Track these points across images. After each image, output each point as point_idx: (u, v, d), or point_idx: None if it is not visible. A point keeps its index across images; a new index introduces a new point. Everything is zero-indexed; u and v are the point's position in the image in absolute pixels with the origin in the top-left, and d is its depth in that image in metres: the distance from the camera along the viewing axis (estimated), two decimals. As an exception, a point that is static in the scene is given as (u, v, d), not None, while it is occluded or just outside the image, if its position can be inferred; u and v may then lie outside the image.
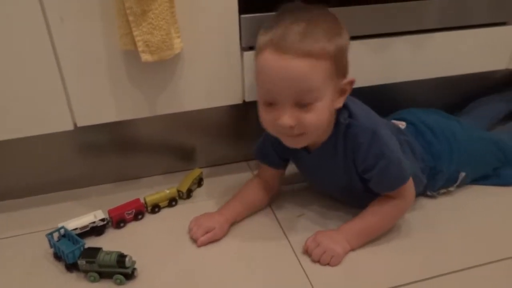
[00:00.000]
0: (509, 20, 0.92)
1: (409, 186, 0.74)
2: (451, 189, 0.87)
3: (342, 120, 0.72)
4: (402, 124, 0.87)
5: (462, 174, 0.85)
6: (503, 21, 0.92)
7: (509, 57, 0.96)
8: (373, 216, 0.75)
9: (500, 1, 0.89)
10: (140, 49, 0.71)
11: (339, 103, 0.71)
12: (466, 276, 0.70)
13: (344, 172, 0.77)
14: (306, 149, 0.78)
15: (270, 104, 0.68)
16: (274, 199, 0.88)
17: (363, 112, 0.74)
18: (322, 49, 0.64)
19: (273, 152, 0.82)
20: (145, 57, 0.71)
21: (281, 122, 0.67)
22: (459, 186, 0.87)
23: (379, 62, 0.88)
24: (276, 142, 0.76)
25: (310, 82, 0.65)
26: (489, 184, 0.90)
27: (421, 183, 0.81)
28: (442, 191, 0.87)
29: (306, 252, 0.74)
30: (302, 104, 0.66)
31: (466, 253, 0.74)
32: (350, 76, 0.71)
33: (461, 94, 1.08)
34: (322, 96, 0.66)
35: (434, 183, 0.84)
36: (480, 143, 0.88)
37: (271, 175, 0.86)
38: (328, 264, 0.72)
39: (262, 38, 0.67)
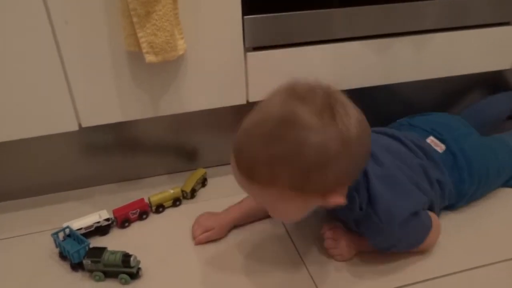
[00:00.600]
0: (511, 20, 0.93)
1: (433, 232, 0.72)
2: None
3: (357, 207, 0.66)
4: (440, 148, 0.79)
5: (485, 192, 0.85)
6: (506, 21, 0.92)
7: (512, 57, 0.96)
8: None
9: (502, 0, 0.89)
10: (144, 50, 0.71)
11: (329, 205, 0.60)
12: (470, 277, 0.70)
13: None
14: None
15: None
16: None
17: (389, 203, 0.66)
18: (268, 178, 0.56)
19: None
20: (150, 58, 0.72)
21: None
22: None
23: (381, 62, 0.88)
24: None
25: (258, 198, 0.64)
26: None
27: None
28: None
29: (323, 235, 0.75)
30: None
31: (469, 254, 0.74)
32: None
33: (463, 94, 1.09)
34: (281, 208, 0.62)
35: (459, 204, 0.83)
36: (499, 167, 0.84)
37: None
38: (333, 257, 0.73)
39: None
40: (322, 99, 0.55)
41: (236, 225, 0.81)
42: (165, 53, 0.72)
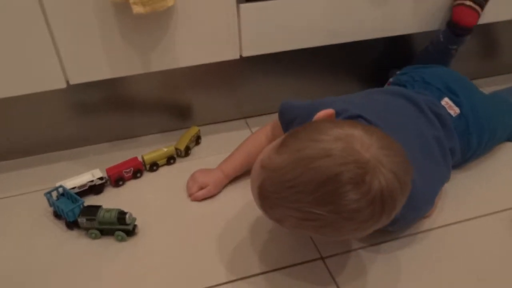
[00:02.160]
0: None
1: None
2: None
3: None
4: (454, 112, 0.76)
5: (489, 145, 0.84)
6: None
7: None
8: None
9: None
10: (131, 0, 0.68)
11: None
12: (467, 227, 0.71)
13: None
14: None
15: None
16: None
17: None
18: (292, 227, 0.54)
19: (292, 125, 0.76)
20: (137, 9, 0.68)
21: None
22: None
23: (379, 14, 0.85)
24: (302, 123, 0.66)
25: None
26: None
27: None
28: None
29: None
30: None
31: (468, 205, 0.75)
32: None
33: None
34: None
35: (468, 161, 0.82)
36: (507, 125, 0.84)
37: (280, 132, 0.81)
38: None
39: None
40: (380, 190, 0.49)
41: (235, 177, 0.81)
42: (153, 3, 0.69)
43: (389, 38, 0.90)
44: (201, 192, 0.78)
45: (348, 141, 0.50)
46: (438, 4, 0.88)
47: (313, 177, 0.49)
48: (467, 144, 0.77)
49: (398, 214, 0.54)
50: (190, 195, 0.79)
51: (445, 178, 0.72)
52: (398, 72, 0.88)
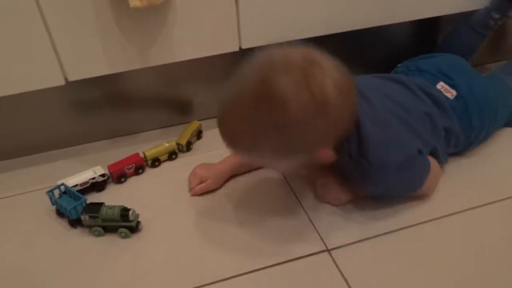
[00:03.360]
0: None
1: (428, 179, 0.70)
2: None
3: (347, 156, 0.66)
4: (451, 94, 0.76)
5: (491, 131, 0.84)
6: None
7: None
8: None
9: None
10: (128, -6, 0.67)
11: (320, 160, 0.63)
12: (470, 216, 0.70)
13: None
14: None
15: None
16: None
17: (381, 149, 0.65)
18: (252, 147, 0.59)
19: None
20: (134, 3, 0.67)
21: None
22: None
23: (378, 1, 0.84)
24: None
25: (249, 159, 0.69)
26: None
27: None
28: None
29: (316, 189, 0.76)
30: None
31: (469, 194, 0.74)
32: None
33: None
34: (273, 166, 0.70)
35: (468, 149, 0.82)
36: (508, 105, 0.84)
37: None
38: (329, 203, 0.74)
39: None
40: (298, 67, 0.55)
41: (233, 175, 0.80)
42: (151, -4, 0.68)
43: (391, 29, 0.89)
44: (200, 186, 0.77)
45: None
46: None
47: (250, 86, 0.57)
48: (469, 125, 0.76)
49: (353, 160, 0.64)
50: (190, 189, 0.78)
51: (425, 148, 0.70)
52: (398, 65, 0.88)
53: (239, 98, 0.58)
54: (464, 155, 0.82)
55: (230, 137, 0.61)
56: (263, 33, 0.82)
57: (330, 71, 0.57)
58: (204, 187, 0.77)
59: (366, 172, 0.66)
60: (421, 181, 0.69)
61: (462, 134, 0.76)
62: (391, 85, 0.76)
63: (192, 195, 0.78)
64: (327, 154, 0.62)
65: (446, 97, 0.76)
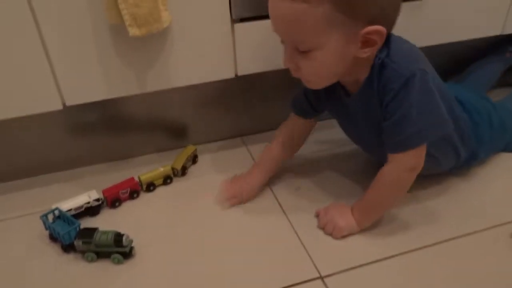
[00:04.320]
0: (503, -16, 0.91)
1: (415, 154, 0.66)
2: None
3: (377, 60, 0.64)
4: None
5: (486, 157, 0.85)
6: (497, -15, 0.91)
7: (503, 22, 0.95)
8: (373, 190, 0.71)
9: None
10: (127, 23, 0.68)
11: (363, 54, 0.62)
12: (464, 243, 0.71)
13: (378, 121, 0.69)
14: (346, 92, 0.72)
15: (282, 42, 0.65)
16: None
17: (406, 54, 0.65)
18: None
19: (305, 100, 0.79)
20: (133, 31, 0.69)
21: (282, 62, 0.66)
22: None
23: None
24: (310, 90, 0.75)
25: (300, 30, 0.59)
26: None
27: (456, 159, 0.78)
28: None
29: (317, 216, 0.76)
30: (300, 50, 0.62)
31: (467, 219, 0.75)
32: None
33: (454, 60, 1.07)
34: (321, 46, 0.60)
35: (467, 166, 0.83)
36: (504, 128, 0.85)
37: (298, 127, 0.84)
38: (330, 235, 0.73)
39: None
40: None
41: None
42: (149, 25, 0.69)
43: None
44: (233, 201, 0.80)
45: None
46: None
47: None
48: (473, 122, 0.78)
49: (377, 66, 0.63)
50: (223, 202, 0.81)
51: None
52: None
53: None
54: (460, 176, 0.82)
55: None
56: (259, 60, 0.83)
57: None
58: (237, 202, 0.80)
59: (391, 77, 0.63)
60: (421, 139, 0.65)
61: (470, 130, 0.77)
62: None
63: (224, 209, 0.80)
64: (380, 29, 0.59)
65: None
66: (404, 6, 0.84)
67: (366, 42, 0.61)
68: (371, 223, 0.73)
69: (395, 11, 0.63)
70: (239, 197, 0.80)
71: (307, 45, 0.61)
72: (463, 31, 0.93)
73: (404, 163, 0.67)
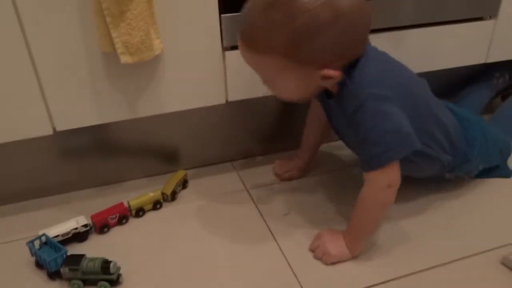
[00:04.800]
0: (485, 15, 0.94)
1: (388, 172, 0.67)
2: (470, 176, 0.88)
3: (342, 79, 0.66)
4: None
5: (481, 167, 0.86)
6: (479, 16, 0.94)
7: (486, 51, 0.98)
8: (357, 215, 0.72)
9: (475, -3, 0.91)
10: (119, 50, 0.69)
11: (326, 84, 0.67)
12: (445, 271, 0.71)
13: (348, 131, 0.74)
14: (328, 93, 0.74)
15: None
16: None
17: (367, 78, 0.66)
18: (265, 44, 0.62)
19: None
20: (125, 58, 0.70)
21: None
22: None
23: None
24: None
25: (261, 71, 0.68)
26: (490, 176, 0.90)
27: (439, 163, 0.79)
28: (461, 174, 0.87)
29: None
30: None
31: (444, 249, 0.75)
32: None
33: (442, 86, 1.09)
34: (281, 82, 0.68)
35: (459, 169, 0.83)
36: (496, 143, 0.87)
37: (319, 107, 0.84)
38: (320, 260, 0.73)
39: None
40: None
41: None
42: (141, 53, 0.71)
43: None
44: (287, 174, 0.93)
45: None
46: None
47: None
48: (463, 126, 0.81)
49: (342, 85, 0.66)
50: (278, 176, 0.94)
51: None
52: None
53: (257, 2, 0.63)
54: (445, 198, 0.83)
55: (247, 33, 0.64)
56: (249, 87, 0.85)
57: None
58: (288, 176, 0.93)
59: (349, 98, 0.66)
60: (384, 159, 0.66)
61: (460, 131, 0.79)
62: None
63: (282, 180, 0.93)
64: (332, 74, 0.64)
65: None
66: (388, 35, 0.88)
67: (325, 77, 0.65)
68: (360, 249, 0.73)
69: (353, 49, 0.65)
70: (290, 172, 0.93)
71: (266, 80, 0.70)
72: (447, 59, 0.96)
73: (379, 183, 0.68)
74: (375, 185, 0.69)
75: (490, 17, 0.94)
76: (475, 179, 0.90)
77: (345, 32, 0.61)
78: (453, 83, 1.09)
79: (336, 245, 0.72)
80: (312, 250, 0.74)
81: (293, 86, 0.68)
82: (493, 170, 0.90)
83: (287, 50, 0.62)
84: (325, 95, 0.74)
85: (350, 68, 0.66)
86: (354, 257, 0.73)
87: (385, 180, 0.68)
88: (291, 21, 0.59)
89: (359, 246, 0.73)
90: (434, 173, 0.82)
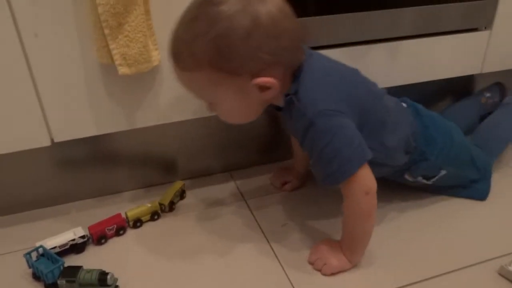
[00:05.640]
0: (480, 26, 0.95)
1: (358, 180, 0.66)
2: (428, 182, 0.85)
3: (287, 97, 0.67)
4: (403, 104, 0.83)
5: (443, 172, 0.84)
6: (474, 27, 0.95)
7: (482, 62, 0.99)
8: (346, 226, 0.73)
9: (471, 8, 0.92)
10: (117, 62, 0.70)
11: (267, 96, 0.65)
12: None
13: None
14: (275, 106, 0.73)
15: None
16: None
17: (314, 91, 0.66)
18: (192, 59, 0.62)
19: None
20: (123, 70, 0.70)
21: None
22: (436, 184, 0.86)
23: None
24: None
25: (195, 90, 0.68)
26: (463, 195, 0.89)
27: (401, 157, 0.79)
28: (420, 179, 0.85)
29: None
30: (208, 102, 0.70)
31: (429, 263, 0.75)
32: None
33: (435, 100, 1.11)
34: (217, 100, 0.67)
35: (416, 168, 0.82)
36: (468, 151, 0.87)
37: None
38: (320, 271, 0.72)
39: None
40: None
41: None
42: (139, 64, 0.71)
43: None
44: (287, 186, 0.93)
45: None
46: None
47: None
48: (423, 124, 0.80)
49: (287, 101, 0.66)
50: (278, 188, 0.94)
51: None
52: None
53: (184, 12, 0.63)
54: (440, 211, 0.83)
55: (174, 52, 0.64)
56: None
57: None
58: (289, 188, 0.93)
59: (298, 116, 0.66)
60: (347, 169, 0.65)
61: (418, 127, 0.79)
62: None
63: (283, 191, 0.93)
64: (266, 81, 0.63)
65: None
66: (385, 46, 0.89)
67: (262, 88, 0.64)
68: (360, 258, 0.73)
69: (285, 56, 0.64)
70: (290, 182, 0.93)
71: (208, 100, 0.69)
72: (443, 70, 0.97)
73: (356, 193, 0.68)
74: (352, 196, 0.68)
75: (485, 28, 0.96)
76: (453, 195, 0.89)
77: (268, 37, 0.61)
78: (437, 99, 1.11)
79: (335, 256, 0.72)
80: (311, 262, 0.74)
81: (234, 104, 0.67)
82: (469, 187, 0.88)
83: (212, 60, 0.61)
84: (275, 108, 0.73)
85: (294, 81, 0.66)
86: (354, 266, 0.73)
87: (360, 189, 0.67)
88: (211, 29, 0.59)
89: (357, 255, 0.73)
90: (385, 174, 0.81)
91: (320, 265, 0.72)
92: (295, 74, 0.67)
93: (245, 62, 0.62)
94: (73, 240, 0.77)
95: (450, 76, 0.98)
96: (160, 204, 0.87)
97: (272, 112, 0.98)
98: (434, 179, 0.85)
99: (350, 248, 0.73)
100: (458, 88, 1.12)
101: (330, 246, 0.74)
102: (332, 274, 0.72)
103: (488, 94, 1.06)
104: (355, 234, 0.72)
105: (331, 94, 0.66)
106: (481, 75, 1.02)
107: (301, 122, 0.66)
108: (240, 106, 0.67)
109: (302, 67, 0.67)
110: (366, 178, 0.67)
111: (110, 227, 0.81)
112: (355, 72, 0.75)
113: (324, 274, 0.72)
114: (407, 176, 0.84)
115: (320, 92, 0.66)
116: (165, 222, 0.86)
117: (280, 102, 0.70)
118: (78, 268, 0.69)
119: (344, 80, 0.70)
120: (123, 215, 0.84)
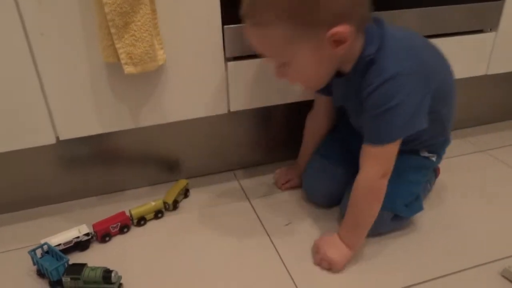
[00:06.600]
0: (485, 27, 0.95)
1: (385, 158, 0.69)
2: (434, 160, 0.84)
3: (366, 54, 0.67)
4: None
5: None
6: (480, 28, 0.95)
7: (487, 64, 0.98)
8: (351, 205, 0.73)
9: (476, 10, 0.91)
10: (123, 61, 0.70)
11: (340, 51, 0.64)
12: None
13: (360, 108, 0.71)
14: (338, 73, 0.73)
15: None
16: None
17: (395, 52, 0.66)
18: (268, 13, 0.61)
19: None
20: (128, 69, 0.71)
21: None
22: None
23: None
24: None
25: (270, 48, 0.66)
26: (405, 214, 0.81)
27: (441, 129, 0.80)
28: (431, 157, 0.84)
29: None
30: (280, 62, 0.68)
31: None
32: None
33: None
34: (293, 58, 0.65)
35: (434, 144, 0.83)
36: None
37: (323, 103, 0.87)
38: (329, 270, 0.73)
39: None
40: None
41: None
42: (144, 63, 0.71)
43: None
44: (288, 184, 0.94)
45: None
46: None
47: None
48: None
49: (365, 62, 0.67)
50: (278, 187, 0.95)
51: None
52: None
53: None
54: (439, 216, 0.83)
55: (249, 8, 0.63)
56: (250, 97, 0.85)
57: None
58: (289, 185, 0.94)
59: (372, 77, 0.66)
60: (393, 136, 0.67)
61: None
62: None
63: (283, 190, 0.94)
64: (342, 30, 0.61)
65: None
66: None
67: (337, 42, 0.63)
68: (361, 243, 0.74)
69: (359, 5, 0.64)
70: (291, 181, 0.94)
71: (281, 59, 0.67)
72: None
73: (375, 172, 0.69)
74: (371, 174, 0.69)
75: (490, 29, 0.95)
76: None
77: None
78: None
79: (335, 249, 0.73)
80: (317, 264, 0.74)
81: (308, 62, 0.66)
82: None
83: (291, 11, 0.60)
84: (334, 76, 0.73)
85: (368, 44, 0.67)
86: (352, 267, 0.73)
87: (380, 169, 0.69)
88: None
89: (357, 240, 0.73)
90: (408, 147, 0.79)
91: (327, 266, 0.73)
92: (367, 37, 0.67)
93: (321, 13, 0.60)
94: (78, 237, 0.78)
95: (456, 77, 0.98)
96: (164, 203, 0.88)
97: (275, 112, 0.99)
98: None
99: (351, 229, 0.73)
100: (463, 90, 1.11)
101: (328, 241, 0.74)
102: (342, 268, 0.72)
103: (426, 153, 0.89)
104: (359, 213, 0.72)
105: (412, 57, 0.67)
106: (486, 76, 1.02)
107: (377, 78, 0.65)
108: (314, 64, 0.66)
109: (375, 30, 0.67)
110: (391, 161, 0.69)
111: (114, 225, 0.81)
112: (432, 46, 0.76)
113: (336, 273, 0.72)
114: (422, 153, 0.83)
115: (402, 54, 0.67)
116: (169, 220, 0.87)
117: (347, 66, 0.70)
118: (82, 265, 0.70)
119: (424, 48, 0.73)
120: (127, 213, 0.84)
